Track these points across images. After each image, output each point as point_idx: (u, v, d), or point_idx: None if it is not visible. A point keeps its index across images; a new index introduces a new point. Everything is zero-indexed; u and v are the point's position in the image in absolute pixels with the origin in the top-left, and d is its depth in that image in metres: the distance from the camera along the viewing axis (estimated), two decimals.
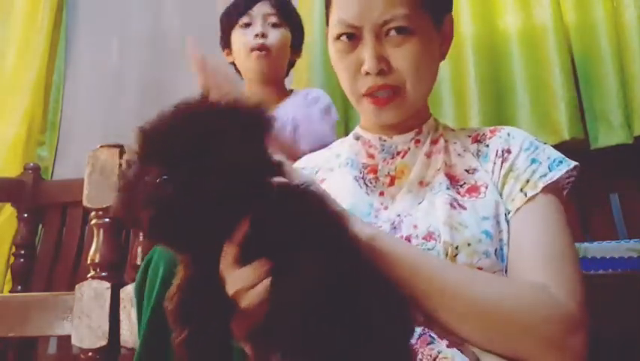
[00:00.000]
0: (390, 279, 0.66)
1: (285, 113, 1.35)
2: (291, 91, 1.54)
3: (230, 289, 0.60)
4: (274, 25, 1.45)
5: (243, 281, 0.59)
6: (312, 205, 0.60)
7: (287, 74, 1.57)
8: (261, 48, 1.42)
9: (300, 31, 1.55)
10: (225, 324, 0.59)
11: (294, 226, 0.57)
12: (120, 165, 1.39)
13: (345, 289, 0.56)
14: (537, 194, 0.75)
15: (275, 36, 1.44)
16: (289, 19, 1.49)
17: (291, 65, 1.57)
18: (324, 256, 0.56)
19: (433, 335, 0.66)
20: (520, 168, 0.78)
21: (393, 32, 0.78)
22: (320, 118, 1.39)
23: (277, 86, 1.51)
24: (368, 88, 0.80)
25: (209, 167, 0.55)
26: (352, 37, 0.80)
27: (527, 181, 0.77)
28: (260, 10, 1.45)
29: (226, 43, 1.52)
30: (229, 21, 1.49)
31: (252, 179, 0.57)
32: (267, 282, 0.58)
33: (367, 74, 0.79)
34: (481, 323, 0.66)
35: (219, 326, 0.58)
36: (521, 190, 0.76)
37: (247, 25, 1.46)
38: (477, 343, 0.67)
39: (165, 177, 0.55)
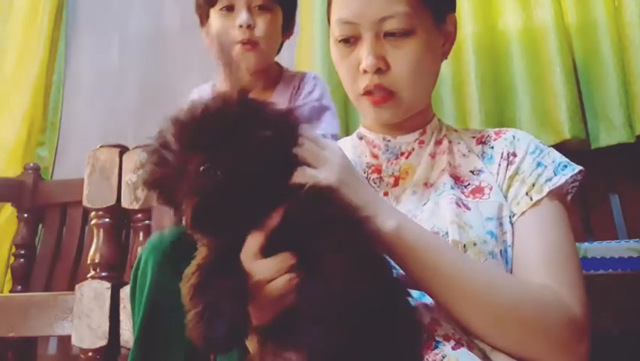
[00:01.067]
0: (410, 272, 0.67)
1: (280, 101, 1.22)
2: (280, 73, 1.32)
3: (251, 279, 0.60)
4: (261, 8, 1.20)
5: (265, 273, 0.59)
6: (337, 207, 0.61)
7: (277, 53, 1.33)
8: (247, 42, 1.20)
9: (292, 6, 1.31)
10: (243, 305, 0.58)
11: (321, 225, 0.58)
12: (120, 164, 1.40)
13: (369, 294, 0.56)
14: (542, 198, 0.75)
15: (263, 25, 1.20)
16: None
17: (282, 44, 1.33)
18: (351, 259, 0.56)
19: (438, 338, 0.66)
20: (525, 172, 0.78)
21: (391, 31, 0.77)
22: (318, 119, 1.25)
23: (265, 74, 1.28)
24: (365, 87, 0.79)
25: (249, 158, 0.57)
26: (352, 40, 0.80)
27: (533, 185, 0.76)
28: None
29: (204, 21, 1.29)
30: (205, 1, 1.25)
31: (288, 173, 0.59)
32: (288, 276, 0.58)
33: (365, 72, 0.79)
34: (496, 321, 0.66)
35: (236, 305, 0.58)
36: (527, 194, 0.76)
37: (228, 8, 1.21)
38: (488, 339, 0.67)
39: (209, 165, 0.56)
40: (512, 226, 0.76)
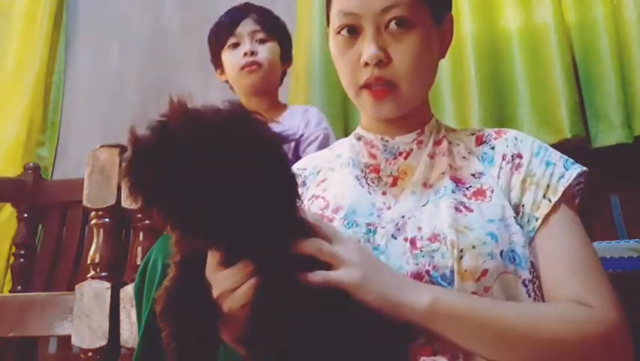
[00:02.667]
0: (455, 339, 0.66)
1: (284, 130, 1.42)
2: (285, 106, 1.57)
3: (215, 292, 0.61)
4: (261, 41, 1.47)
5: (227, 283, 0.60)
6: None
7: (280, 83, 1.59)
8: (252, 65, 1.45)
9: (288, 42, 1.57)
10: (210, 324, 0.60)
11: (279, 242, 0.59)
12: (120, 164, 1.40)
13: (328, 300, 0.57)
14: (559, 201, 0.76)
15: (264, 52, 1.46)
16: (275, 32, 1.51)
17: (283, 74, 1.58)
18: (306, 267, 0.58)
19: (434, 348, 0.66)
20: (537, 174, 0.78)
21: (393, 24, 0.78)
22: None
23: (271, 97, 1.53)
24: (366, 79, 0.79)
25: (261, 170, 0.55)
26: (353, 30, 0.80)
27: (548, 186, 0.77)
28: (245, 28, 1.47)
29: (217, 63, 1.54)
30: (217, 43, 1.51)
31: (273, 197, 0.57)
32: (250, 283, 0.59)
33: (366, 64, 0.78)
34: (542, 356, 0.67)
35: (202, 325, 0.60)
36: (544, 197, 0.77)
37: (235, 45, 1.48)
38: None
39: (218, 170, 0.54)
40: (535, 234, 0.76)
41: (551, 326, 0.67)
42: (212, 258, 0.62)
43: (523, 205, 0.77)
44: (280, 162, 0.59)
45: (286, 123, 1.45)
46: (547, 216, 0.76)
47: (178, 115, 0.56)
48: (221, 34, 1.50)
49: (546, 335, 0.67)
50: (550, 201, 0.76)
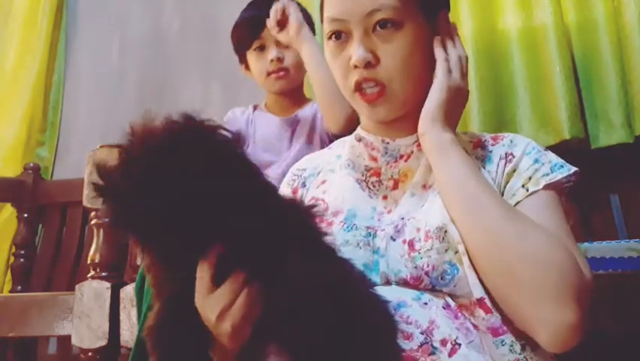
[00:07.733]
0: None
1: (305, 115, 1.46)
2: (309, 100, 1.56)
3: (212, 315, 0.60)
4: (287, 46, 1.43)
5: (223, 300, 0.59)
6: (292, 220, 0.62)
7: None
8: (279, 71, 1.43)
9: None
10: (199, 351, 0.61)
11: (273, 238, 0.58)
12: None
13: (333, 295, 0.57)
14: (538, 190, 0.75)
15: (291, 57, 1.44)
16: None
17: None
18: (310, 263, 0.58)
19: (435, 344, 0.66)
20: (522, 167, 0.78)
21: (379, 27, 0.78)
22: None
23: (297, 93, 1.53)
24: (356, 82, 0.80)
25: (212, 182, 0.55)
26: (341, 36, 0.81)
27: (529, 178, 0.76)
28: (270, 32, 1.42)
29: (242, 60, 1.52)
30: (242, 44, 1.48)
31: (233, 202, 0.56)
32: (245, 292, 0.59)
33: (355, 67, 0.79)
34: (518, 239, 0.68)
35: (192, 352, 0.60)
36: (523, 186, 0.76)
37: (261, 48, 1.45)
38: (497, 285, 0.68)
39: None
40: None
41: (532, 229, 0.69)
42: (201, 283, 0.61)
43: (502, 194, 0.77)
44: (240, 161, 0.59)
45: (307, 111, 1.48)
46: (520, 201, 0.75)
47: (135, 141, 0.56)
48: (245, 37, 1.46)
49: (521, 230, 0.68)
50: (527, 190, 0.75)
